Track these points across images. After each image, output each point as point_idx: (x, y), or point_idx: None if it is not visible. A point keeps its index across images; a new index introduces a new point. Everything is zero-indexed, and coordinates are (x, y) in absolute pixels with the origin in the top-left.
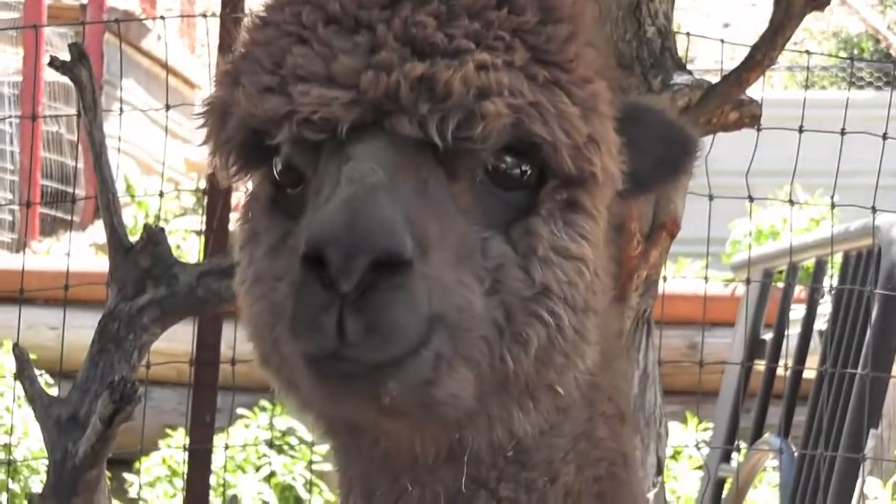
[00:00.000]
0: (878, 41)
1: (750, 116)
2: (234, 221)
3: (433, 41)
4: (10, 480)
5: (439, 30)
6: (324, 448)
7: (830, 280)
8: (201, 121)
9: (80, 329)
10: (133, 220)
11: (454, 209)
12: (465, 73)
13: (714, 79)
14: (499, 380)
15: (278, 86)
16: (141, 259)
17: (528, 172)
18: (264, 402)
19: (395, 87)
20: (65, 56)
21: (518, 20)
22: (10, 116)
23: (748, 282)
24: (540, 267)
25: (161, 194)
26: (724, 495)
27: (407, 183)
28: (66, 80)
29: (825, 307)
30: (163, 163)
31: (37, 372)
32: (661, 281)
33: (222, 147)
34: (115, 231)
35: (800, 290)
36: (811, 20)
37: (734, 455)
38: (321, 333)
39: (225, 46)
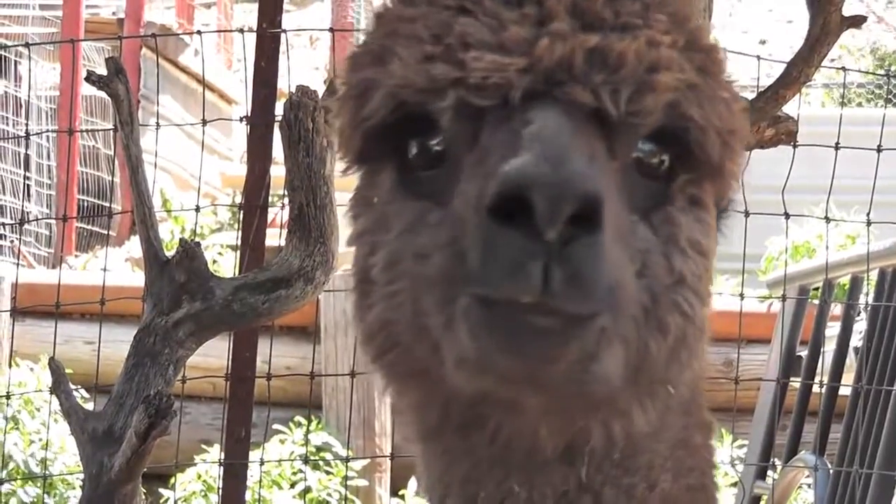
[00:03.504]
0: None
1: (786, 133)
2: (270, 236)
3: (602, 16)
4: (45, 495)
5: (606, 6)
6: (359, 464)
7: (866, 297)
8: (337, 105)
9: (116, 343)
10: (169, 235)
11: (613, 186)
12: (638, 46)
13: (750, 95)
14: (636, 367)
15: (444, 54)
16: (177, 273)
17: (665, 164)
18: (299, 418)
19: (570, 56)
20: (102, 71)
21: (671, 8)
22: (47, 131)
23: (784, 299)
24: (679, 257)
25: (197, 209)
26: None
27: (583, 149)
28: (102, 94)
29: (861, 324)
30: (199, 178)
31: (72, 386)
32: None
33: (359, 126)
34: (152, 245)
35: (835, 307)
36: (847, 37)
37: (769, 472)
38: (527, 280)
39: (261, 61)
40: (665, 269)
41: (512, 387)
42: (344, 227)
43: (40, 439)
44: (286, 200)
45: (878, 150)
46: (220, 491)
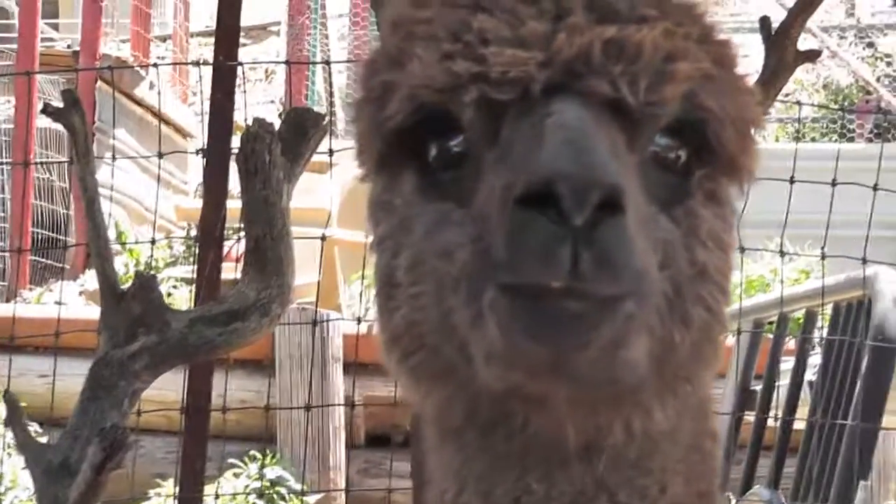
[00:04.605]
0: (868, 93)
1: None
2: (225, 269)
3: (617, 8)
4: None
5: None
6: (313, 498)
7: (821, 331)
8: (355, 110)
9: (71, 377)
10: (124, 269)
11: (633, 178)
12: (654, 36)
13: None
14: (660, 359)
15: (463, 51)
16: (132, 306)
17: (682, 159)
18: (254, 452)
19: (588, 48)
20: (57, 103)
21: (684, 1)
22: (1, 163)
23: (738, 332)
24: (701, 249)
25: (153, 242)
26: None
27: (603, 140)
28: (57, 127)
29: (815, 358)
30: (154, 211)
31: (26, 421)
32: None
33: (379, 129)
34: (108, 278)
35: (790, 341)
36: (802, 72)
37: None
38: (556, 264)
39: (218, 93)
40: (687, 262)
41: (541, 380)
42: (299, 260)
43: None
44: (242, 233)
45: (833, 184)
46: None
